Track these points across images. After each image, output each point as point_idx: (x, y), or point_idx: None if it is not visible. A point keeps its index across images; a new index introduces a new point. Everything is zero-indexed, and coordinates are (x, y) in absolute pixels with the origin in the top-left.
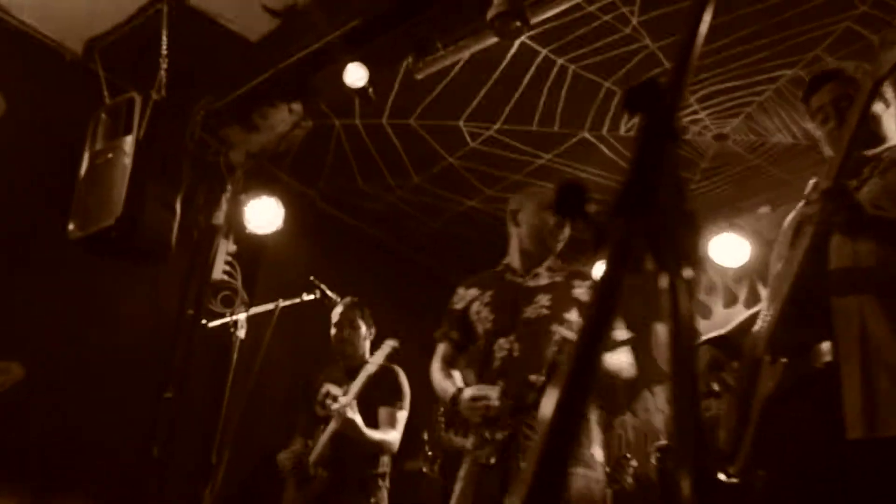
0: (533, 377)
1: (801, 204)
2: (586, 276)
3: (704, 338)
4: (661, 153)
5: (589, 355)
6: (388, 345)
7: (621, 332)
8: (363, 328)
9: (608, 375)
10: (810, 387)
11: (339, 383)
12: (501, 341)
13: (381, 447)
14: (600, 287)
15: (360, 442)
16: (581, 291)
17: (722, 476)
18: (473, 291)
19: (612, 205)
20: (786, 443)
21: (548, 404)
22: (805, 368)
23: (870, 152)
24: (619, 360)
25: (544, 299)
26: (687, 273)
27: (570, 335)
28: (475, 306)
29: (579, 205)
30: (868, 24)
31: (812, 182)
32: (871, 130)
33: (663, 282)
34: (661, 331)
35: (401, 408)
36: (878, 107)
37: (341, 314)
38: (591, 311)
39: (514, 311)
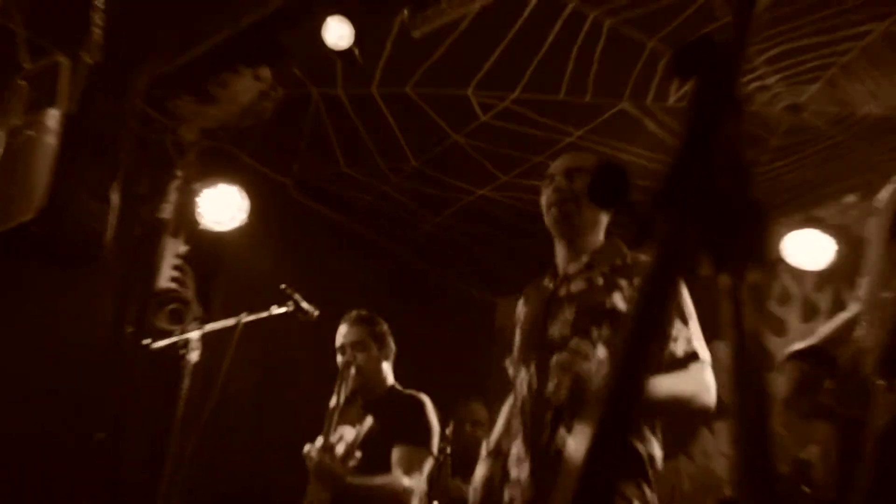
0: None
1: None
2: (632, 270)
3: (791, 350)
4: (719, 128)
5: (629, 381)
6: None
7: (698, 344)
8: (375, 348)
9: (675, 401)
10: None
11: (352, 423)
12: (522, 373)
13: (395, 499)
14: (644, 293)
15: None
16: (619, 297)
17: None
18: (521, 308)
19: (660, 192)
20: None
21: (577, 446)
22: None
23: None
24: (695, 381)
25: (569, 312)
26: (753, 278)
27: (585, 365)
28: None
29: (619, 192)
30: None
31: None
32: None
33: (723, 289)
34: (723, 352)
35: (425, 448)
36: None
37: (341, 334)
38: (632, 322)
39: (539, 331)
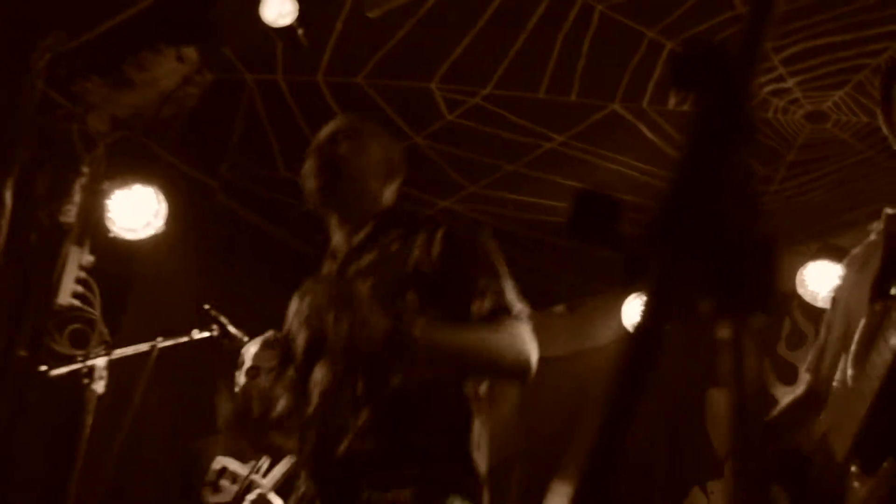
0: None
1: (877, 225)
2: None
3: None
4: (725, 151)
5: (616, 433)
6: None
7: (510, 298)
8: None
9: (485, 356)
10: None
11: (243, 458)
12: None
13: None
14: (635, 339)
15: None
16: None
17: None
18: (294, 305)
19: (655, 225)
20: None
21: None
22: None
23: None
24: (508, 335)
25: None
26: (758, 321)
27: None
28: None
29: (606, 222)
30: None
31: None
32: None
33: (724, 333)
34: (721, 401)
35: None
36: None
37: (256, 357)
38: (621, 371)
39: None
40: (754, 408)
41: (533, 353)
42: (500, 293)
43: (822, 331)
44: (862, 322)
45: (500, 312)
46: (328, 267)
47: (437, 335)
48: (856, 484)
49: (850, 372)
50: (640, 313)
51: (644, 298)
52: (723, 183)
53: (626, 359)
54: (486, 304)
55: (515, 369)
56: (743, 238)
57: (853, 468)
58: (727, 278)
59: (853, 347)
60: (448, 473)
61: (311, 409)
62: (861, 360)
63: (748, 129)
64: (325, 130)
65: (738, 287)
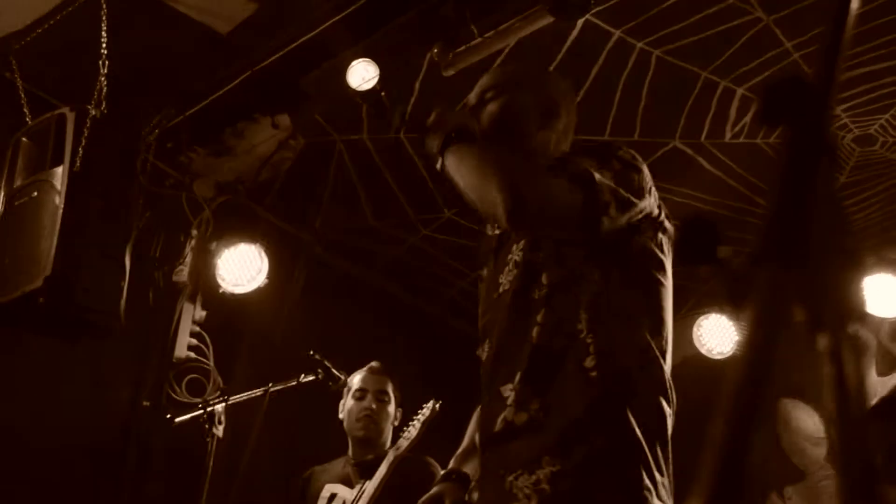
0: None
1: None
2: None
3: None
4: (815, 175)
5: (739, 448)
6: (427, 408)
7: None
8: (392, 404)
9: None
10: None
11: (347, 482)
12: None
13: None
14: (749, 355)
15: None
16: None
17: None
18: None
19: (757, 247)
20: None
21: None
22: None
23: None
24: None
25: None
26: (853, 330)
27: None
28: None
29: (709, 247)
30: None
31: None
32: None
33: (822, 343)
34: (793, 412)
35: None
36: None
37: (364, 380)
38: (739, 387)
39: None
40: (858, 409)
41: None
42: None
43: None
44: None
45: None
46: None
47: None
48: None
49: None
50: (752, 328)
51: (753, 314)
52: (815, 203)
53: (746, 372)
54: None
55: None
56: (834, 252)
57: None
58: (822, 291)
59: None
60: None
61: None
62: None
63: (832, 151)
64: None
65: (833, 298)
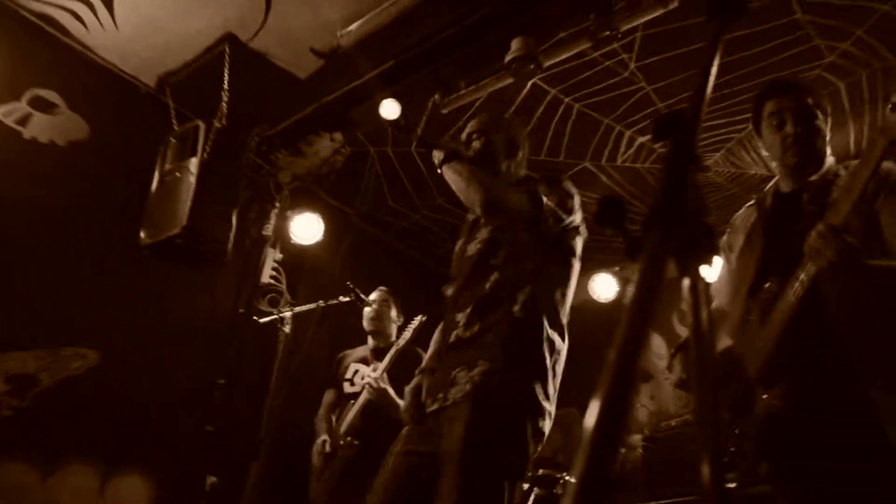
0: None
1: (751, 203)
2: None
3: (677, 345)
4: (686, 174)
5: (630, 360)
6: (417, 319)
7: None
8: (394, 310)
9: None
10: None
11: (366, 362)
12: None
13: None
14: (638, 292)
15: (389, 410)
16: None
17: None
18: None
19: (648, 219)
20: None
21: (590, 415)
22: (813, 390)
23: (813, 178)
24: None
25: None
26: (707, 278)
27: None
28: None
29: (616, 217)
30: (836, 72)
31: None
32: (816, 147)
33: (687, 286)
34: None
35: None
36: (822, 122)
37: (376, 296)
38: (629, 316)
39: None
40: (709, 331)
41: (488, 202)
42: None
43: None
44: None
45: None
46: None
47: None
48: (763, 395)
49: (754, 315)
50: (639, 275)
51: (643, 264)
52: (685, 192)
53: (634, 305)
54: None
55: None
56: (697, 224)
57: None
58: (688, 249)
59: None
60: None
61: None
62: (768, 306)
63: (697, 160)
64: (465, 131)
65: (696, 255)
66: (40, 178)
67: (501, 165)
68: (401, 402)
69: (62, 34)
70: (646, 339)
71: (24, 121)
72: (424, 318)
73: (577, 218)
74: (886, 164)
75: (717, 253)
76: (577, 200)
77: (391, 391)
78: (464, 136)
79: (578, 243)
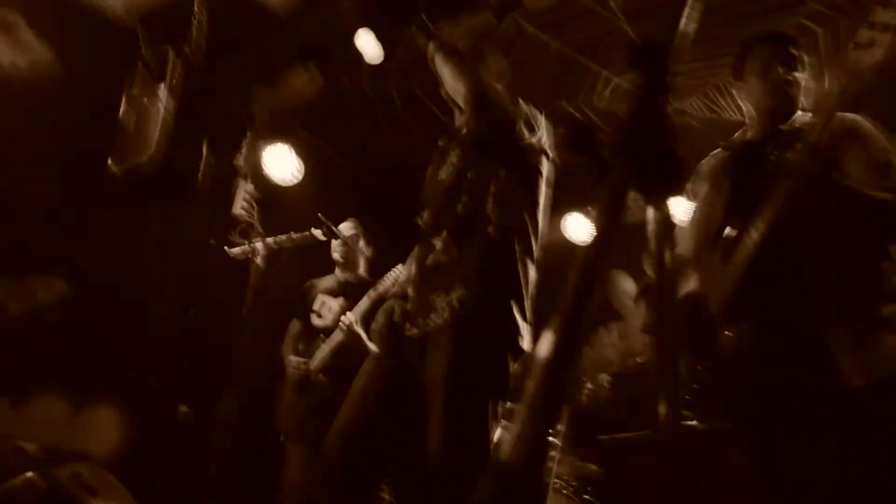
0: None
1: (717, 151)
2: None
3: (640, 288)
4: (656, 101)
5: (591, 276)
6: (397, 269)
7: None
8: (362, 241)
9: None
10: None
11: (333, 294)
12: None
13: None
14: (601, 211)
15: (363, 353)
16: None
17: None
18: None
19: (615, 143)
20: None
21: (545, 339)
22: (774, 327)
23: (783, 126)
24: None
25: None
26: (672, 206)
27: None
28: None
29: (587, 144)
30: (817, 20)
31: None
32: (792, 95)
33: (653, 213)
34: (617, 276)
35: None
36: (801, 75)
37: (346, 226)
38: (595, 230)
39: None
40: (672, 262)
41: None
42: None
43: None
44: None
45: None
46: None
47: None
48: (726, 332)
49: (717, 257)
50: (606, 193)
51: (605, 191)
52: (654, 118)
53: (599, 221)
54: None
55: None
56: (664, 152)
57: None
58: (655, 176)
59: (722, 244)
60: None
61: None
62: (731, 248)
63: (667, 87)
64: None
65: (662, 181)
66: (3, 101)
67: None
68: (373, 347)
69: None
70: (604, 264)
71: None
72: (403, 269)
73: (543, 135)
74: (850, 115)
75: (684, 182)
76: (544, 119)
77: (365, 336)
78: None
79: (545, 165)
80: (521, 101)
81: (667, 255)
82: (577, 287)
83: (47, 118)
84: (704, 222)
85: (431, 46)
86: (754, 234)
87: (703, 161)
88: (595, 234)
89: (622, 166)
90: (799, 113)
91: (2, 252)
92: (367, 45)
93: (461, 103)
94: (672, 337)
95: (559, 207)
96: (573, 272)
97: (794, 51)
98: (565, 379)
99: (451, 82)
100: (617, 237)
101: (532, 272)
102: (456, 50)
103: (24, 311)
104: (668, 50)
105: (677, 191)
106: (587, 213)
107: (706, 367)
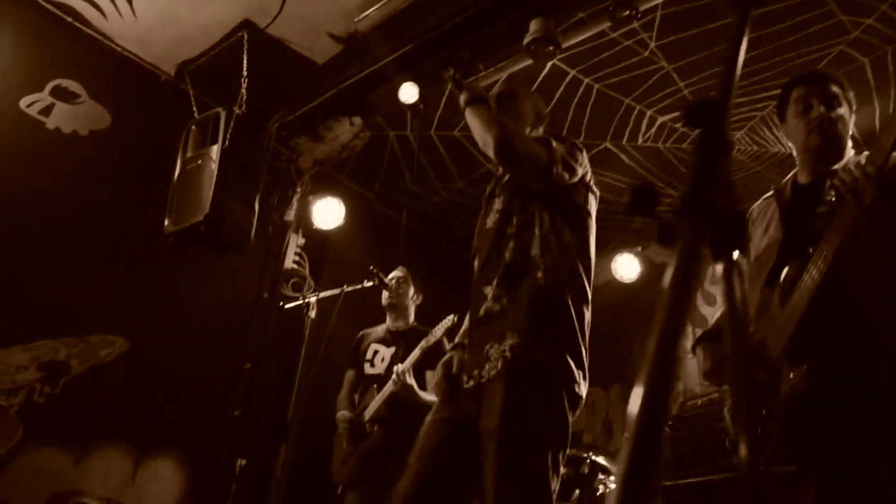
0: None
1: (769, 194)
2: None
3: (697, 336)
4: (717, 160)
5: (670, 346)
6: (448, 319)
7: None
8: (412, 289)
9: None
10: (846, 387)
11: (385, 343)
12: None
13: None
14: (675, 278)
15: (414, 403)
16: None
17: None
18: None
19: (681, 206)
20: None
21: (633, 401)
22: (837, 368)
23: (835, 167)
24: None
25: (498, 202)
26: (739, 263)
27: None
28: None
29: (649, 204)
30: (859, 48)
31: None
32: (838, 132)
33: (720, 272)
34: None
35: None
36: (846, 112)
37: (395, 276)
38: (668, 301)
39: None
40: (743, 314)
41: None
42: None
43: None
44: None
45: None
46: None
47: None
48: (789, 374)
49: (775, 299)
50: (677, 262)
51: (680, 250)
52: (717, 179)
53: (672, 291)
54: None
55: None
56: (728, 211)
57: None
58: (721, 236)
59: (778, 286)
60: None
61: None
62: (786, 289)
63: (728, 147)
64: (494, 90)
65: (728, 240)
66: (64, 169)
67: (525, 129)
68: (424, 396)
69: (82, 24)
70: (685, 326)
71: (47, 111)
72: (455, 319)
73: (586, 171)
74: None
75: (748, 239)
76: (585, 155)
77: (416, 387)
78: (494, 91)
79: (592, 202)
80: (556, 142)
81: (738, 303)
82: (661, 346)
83: (105, 180)
84: (759, 265)
85: (462, 100)
86: (815, 274)
87: (753, 206)
88: (673, 293)
89: (693, 230)
90: (851, 153)
91: (63, 312)
92: (409, 93)
93: (491, 156)
94: (746, 381)
95: (605, 247)
96: (655, 331)
97: (833, 88)
98: (661, 436)
99: (480, 136)
100: (693, 293)
101: (586, 315)
102: (483, 99)
103: (87, 369)
104: (725, 108)
105: (743, 246)
106: (637, 254)
107: (769, 409)
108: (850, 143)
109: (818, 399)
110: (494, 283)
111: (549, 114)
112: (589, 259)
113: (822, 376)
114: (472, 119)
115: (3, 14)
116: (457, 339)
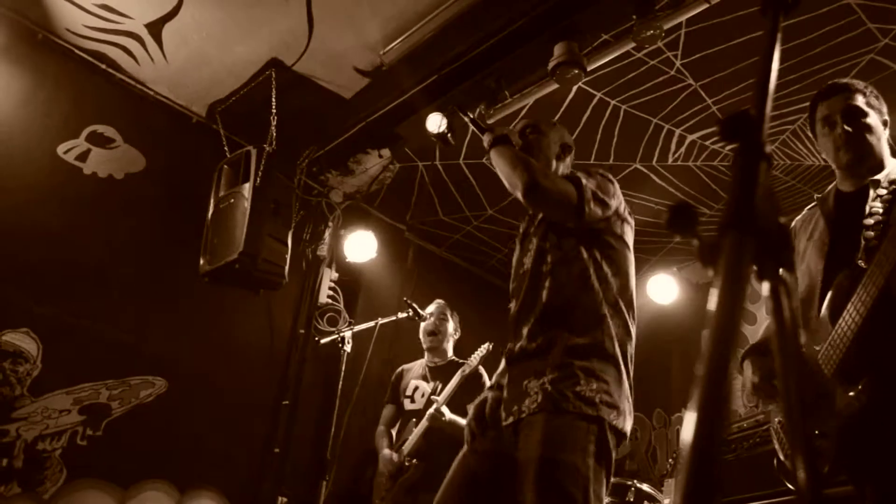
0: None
1: (812, 205)
2: None
3: (744, 349)
4: (758, 173)
5: (722, 366)
6: (484, 347)
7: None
8: (451, 324)
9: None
10: None
11: (425, 379)
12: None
13: None
14: (723, 296)
15: (453, 436)
16: None
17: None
18: None
19: (723, 223)
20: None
21: (687, 426)
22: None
23: (879, 177)
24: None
25: (532, 242)
26: (786, 279)
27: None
28: None
29: (688, 223)
30: (890, 55)
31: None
32: (868, 143)
33: (767, 289)
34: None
35: None
36: (874, 120)
37: (434, 310)
38: (716, 320)
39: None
40: (792, 332)
41: (523, 188)
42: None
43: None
44: (819, 280)
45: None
46: None
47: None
48: (848, 392)
49: (824, 312)
50: (722, 279)
51: (723, 269)
52: (758, 192)
53: (720, 309)
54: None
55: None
56: (772, 226)
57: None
58: (765, 252)
59: (829, 299)
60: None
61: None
62: (837, 304)
63: (768, 159)
64: (518, 125)
65: (773, 257)
66: (101, 212)
67: (551, 163)
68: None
69: (115, 70)
70: (735, 346)
71: (83, 157)
72: (491, 346)
73: (618, 203)
74: None
75: (794, 252)
76: (616, 186)
77: (456, 418)
78: (517, 127)
79: (628, 232)
80: (586, 178)
81: (787, 320)
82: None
83: (141, 222)
84: (807, 277)
85: (485, 142)
86: (872, 289)
87: (797, 218)
88: (721, 314)
89: (737, 245)
90: (893, 161)
91: (104, 354)
92: (436, 123)
93: (519, 199)
94: (800, 400)
95: (640, 269)
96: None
97: (855, 98)
98: (717, 465)
99: (507, 178)
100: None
101: (629, 349)
102: (507, 139)
103: (128, 410)
104: (761, 120)
105: (789, 262)
106: (672, 274)
107: (822, 430)
108: (887, 150)
109: (876, 419)
110: (532, 321)
111: (574, 142)
112: (629, 291)
113: (879, 396)
114: (497, 161)
115: (42, 64)
116: (493, 380)
